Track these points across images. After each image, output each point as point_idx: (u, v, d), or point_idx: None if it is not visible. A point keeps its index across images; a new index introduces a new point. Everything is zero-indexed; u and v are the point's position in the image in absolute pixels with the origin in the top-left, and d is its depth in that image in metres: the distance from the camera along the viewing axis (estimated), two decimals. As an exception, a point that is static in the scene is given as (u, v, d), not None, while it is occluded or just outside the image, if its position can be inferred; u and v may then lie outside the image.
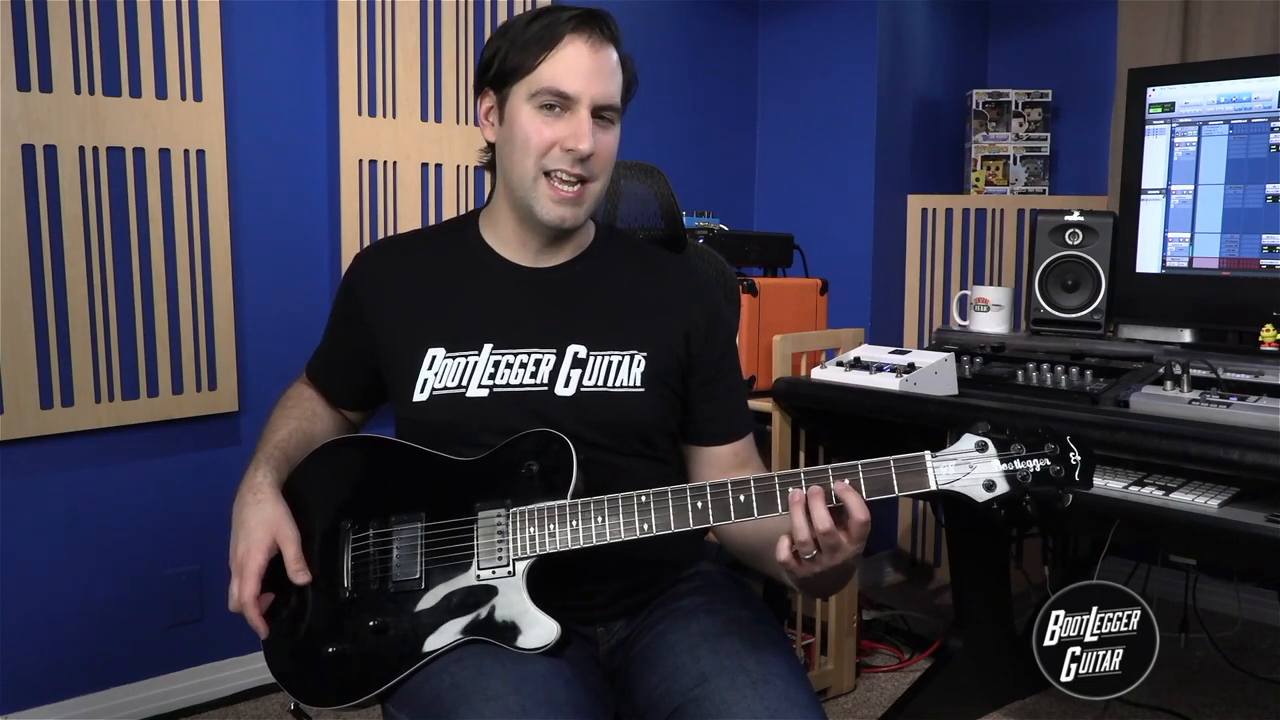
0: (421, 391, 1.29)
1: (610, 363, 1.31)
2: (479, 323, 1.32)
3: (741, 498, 1.15)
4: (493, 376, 1.29)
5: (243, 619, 1.24)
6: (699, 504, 1.16)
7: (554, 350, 1.30)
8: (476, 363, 1.30)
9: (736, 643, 1.22)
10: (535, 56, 1.25)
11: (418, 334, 1.32)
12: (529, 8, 2.66)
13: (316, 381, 1.47)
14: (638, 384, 1.31)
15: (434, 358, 1.30)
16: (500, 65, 1.28)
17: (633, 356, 1.32)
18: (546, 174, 1.27)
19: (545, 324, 1.32)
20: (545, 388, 1.29)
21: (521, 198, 1.30)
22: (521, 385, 1.29)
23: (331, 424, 1.44)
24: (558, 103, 1.25)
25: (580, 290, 1.36)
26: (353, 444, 1.36)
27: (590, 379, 1.30)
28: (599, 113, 1.27)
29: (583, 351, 1.31)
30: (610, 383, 1.30)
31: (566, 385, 1.29)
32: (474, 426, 1.27)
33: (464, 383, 1.29)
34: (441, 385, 1.29)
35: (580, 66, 1.25)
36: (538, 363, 1.30)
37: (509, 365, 1.29)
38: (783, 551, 1.12)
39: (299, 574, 1.22)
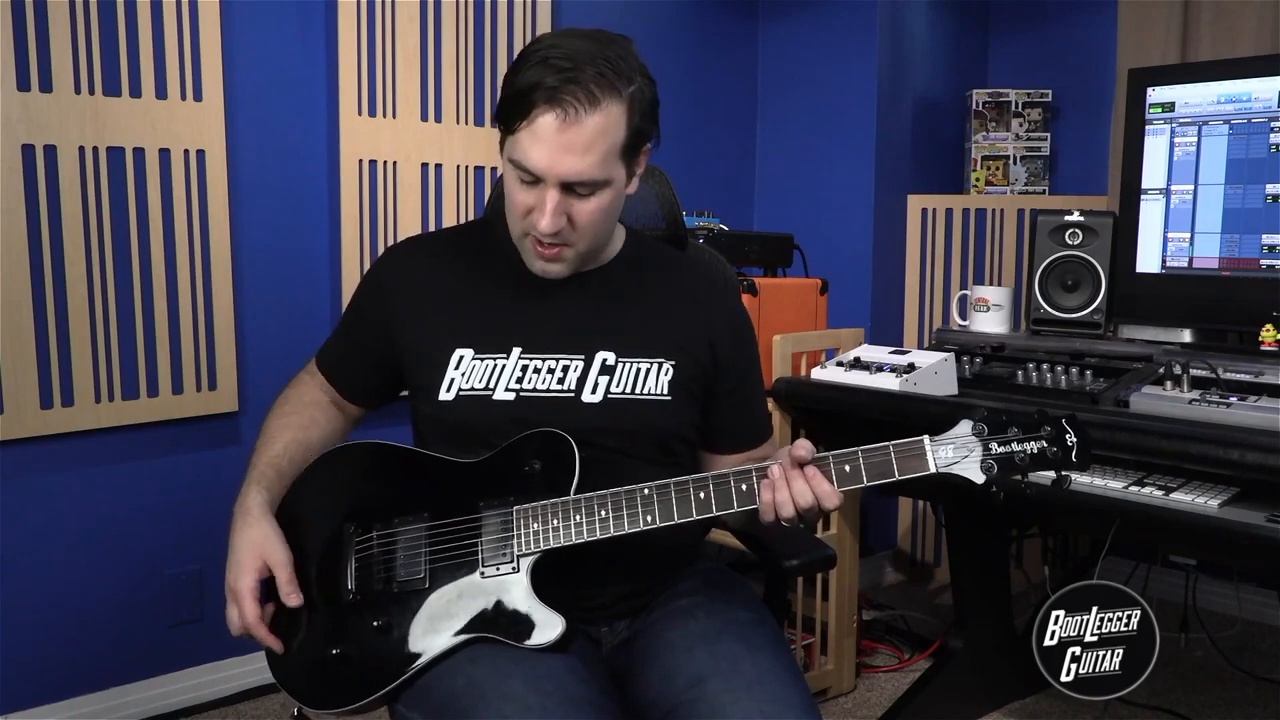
0: (448, 391, 1.29)
1: (639, 369, 1.31)
2: (508, 325, 1.32)
3: (744, 487, 1.18)
4: (520, 381, 1.28)
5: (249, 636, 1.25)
6: (701, 495, 1.18)
7: (582, 357, 1.30)
8: (504, 366, 1.29)
9: (733, 644, 1.23)
10: (513, 121, 1.20)
11: (446, 333, 1.32)
12: (528, 9, 2.67)
13: (327, 373, 1.45)
14: (665, 392, 1.31)
15: (461, 358, 1.30)
16: (499, 109, 1.24)
17: (660, 364, 1.32)
18: (528, 236, 1.26)
19: (574, 330, 1.32)
20: (572, 394, 1.29)
21: (518, 247, 1.31)
22: (549, 390, 1.28)
23: (330, 428, 1.43)
24: (528, 176, 1.21)
25: (609, 297, 1.35)
26: (353, 450, 1.35)
27: (618, 386, 1.30)
28: (571, 187, 1.21)
29: (611, 358, 1.30)
30: (638, 390, 1.30)
31: (594, 392, 1.29)
32: (498, 429, 1.26)
33: (491, 385, 1.28)
34: (469, 386, 1.29)
35: (547, 144, 1.17)
36: (565, 369, 1.29)
37: (537, 370, 1.29)
38: (765, 520, 1.18)
39: (290, 596, 1.22)
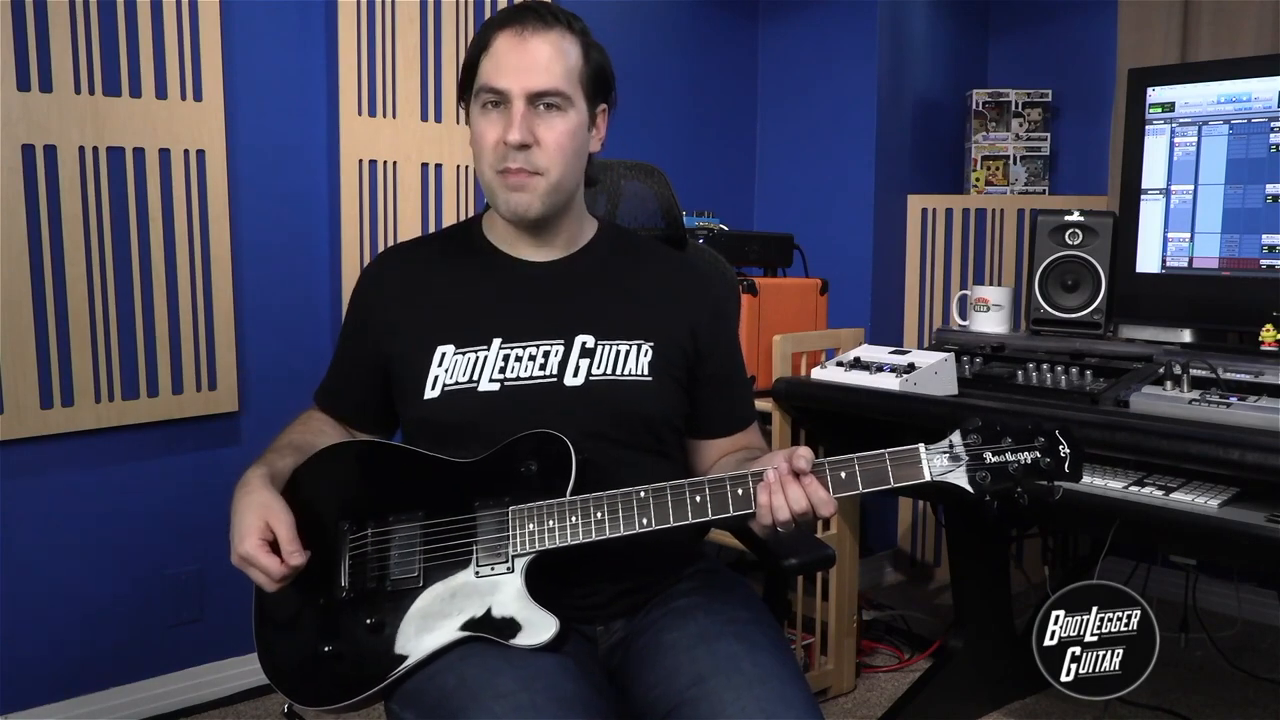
0: (433, 388, 1.30)
1: (618, 351, 1.32)
2: (487, 318, 1.33)
3: (739, 491, 1.18)
4: (503, 370, 1.30)
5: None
6: (697, 498, 1.18)
7: (562, 341, 1.31)
8: (486, 357, 1.30)
9: (733, 643, 1.23)
10: (476, 61, 1.29)
11: (426, 333, 1.33)
12: (529, 8, 2.67)
13: (326, 406, 1.45)
14: (645, 373, 1.32)
15: (443, 355, 1.31)
16: (463, 76, 1.32)
17: (639, 346, 1.33)
18: (500, 172, 1.28)
19: (552, 316, 1.33)
20: (555, 379, 1.30)
21: (490, 199, 1.33)
22: (532, 378, 1.30)
23: (338, 437, 1.41)
24: (497, 99, 1.27)
25: (585, 283, 1.37)
26: (350, 448, 1.35)
27: (599, 368, 1.31)
28: (538, 100, 1.26)
29: (590, 341, 1.32)
30: (619, 371, 1.31)
31: (575, 375, 1.30)
32: (486, 420, 1.27)
33: (475, 377, 1.29)
34: (453, 381, 1.29)
35: (508, 59, 1.25)
36: (546, 354, 1.31)
37: (519, 358, 1.30)
38: (762, 524, 1.18)
39: (294, 555, 1.18)
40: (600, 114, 1.35)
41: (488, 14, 2.62)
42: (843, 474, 1.17)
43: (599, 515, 1.19)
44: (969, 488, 1.15)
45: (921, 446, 1.16)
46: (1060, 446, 1.16)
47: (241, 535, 1.19)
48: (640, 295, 1.38)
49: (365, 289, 1.42)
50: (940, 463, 1.16)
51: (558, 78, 1.26)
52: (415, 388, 1.31)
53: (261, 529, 1.19)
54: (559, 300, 1.35)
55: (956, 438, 1.16)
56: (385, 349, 1.36)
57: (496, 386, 1.29)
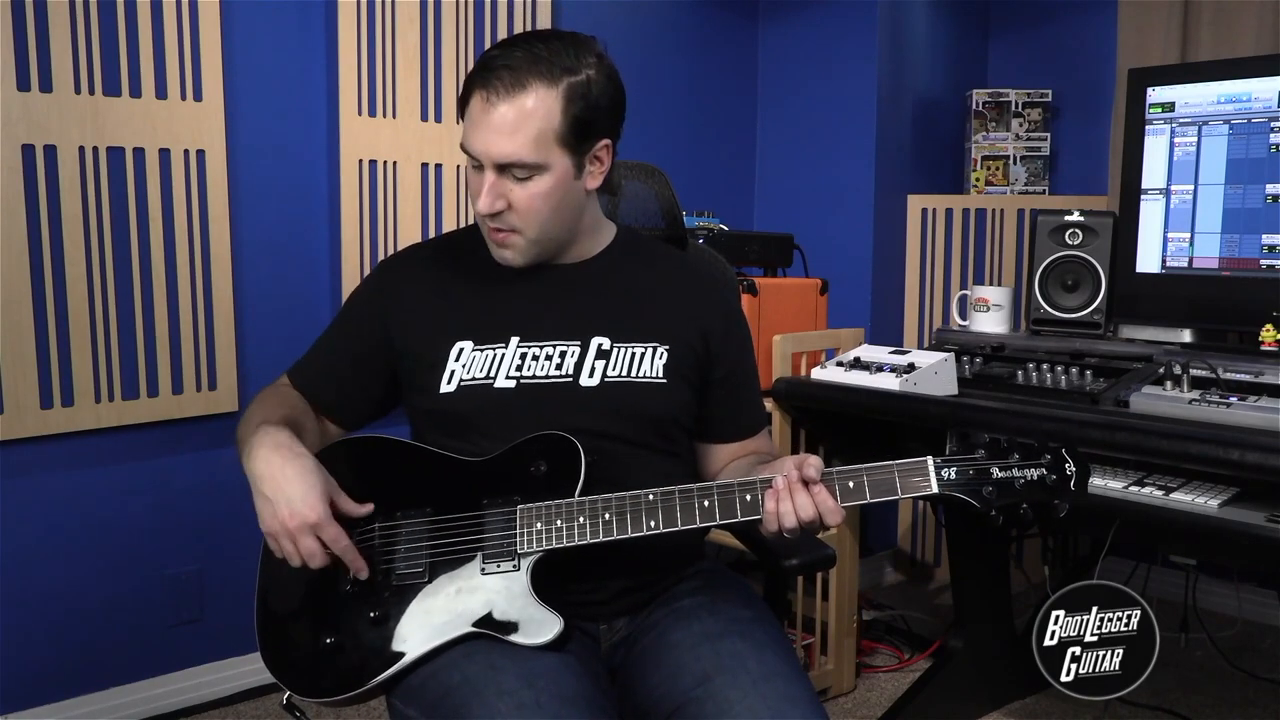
0: (449, 383, 1.30)
1: (634, 354, 1.33)
2: (506, 317, 1.34)
3: (748, 497, 1.19)
4: (519, 368, 1.31)
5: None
6: (705, 503, 1.19)
7: (578, 342, 1.32)
8: (504, 355, 1.31)
9: (737, 642, 1.23)
10: (461, 112, 1.28)
11: (445, 328, 1.33)
12: (528, 8, 2.67)
13: (306, 389, 1.41)
14: (660, 375, 1.33)
15: (461, 350, 1.32)
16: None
17: (655, 349, 1.34)
18: (484, 223, 1.30)
19: (570, 317, 1.34)
20: (570, 379, 1.31)
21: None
22: (548, 376, 1.31)
23: (312, 425, 1.38)
24: (474, 161, 1.27)
25: (602, 286, 1.38)
26: (357, 444, 1.35)
27: (614, 369, 1.32)
28: (506, 170, 1.24)
29: (606, 343, 1.33)
30: (634, 373, 1.32)
31: (591, 376, 1.31)
32: (500, 417, 1.28)
33: (491, 374, 1.30)
34: (469, 376, 1.30)
35: (478, 126, 1.23)
36: (563, 355, 1.32)
37: (535, 357, 1.31)
38: (768, 530, 1.19)
39: (360, 509, 1.22)
40: (602, 150, 1.30)
41: (488, 14, 2.62)
42: (851, 483, 1.18)
43: (607, 516, 1.19)
44: (975, 503, 1.17)
45: (930, 459, 1.17)
46: (1066, 464, 1.17)
47: (309, 501, 1.17)
48: (655, 299, 1.39)
49: (386, 280, 1.41)
50: (947, 475, 1.17)
51: (524, 147, 1.22)
52: (431, 380, 1.31)
53: (327, 494, 1.20)
54: (575, 302, 1.36)
55: (964, 451, 1.18)
56: (398, 346, 1.36)
57: (512, 384, 1.30)
